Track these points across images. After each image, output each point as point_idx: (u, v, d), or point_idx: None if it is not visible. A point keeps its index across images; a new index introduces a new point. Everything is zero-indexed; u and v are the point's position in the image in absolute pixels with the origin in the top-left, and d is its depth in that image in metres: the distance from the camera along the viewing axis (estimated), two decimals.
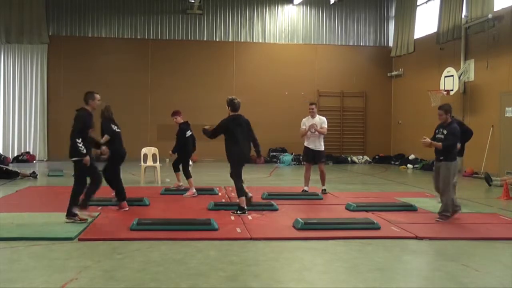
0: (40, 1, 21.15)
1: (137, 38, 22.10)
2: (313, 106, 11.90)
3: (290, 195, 11.42)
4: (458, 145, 9.25)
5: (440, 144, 8.72)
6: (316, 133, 11.58)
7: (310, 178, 11.89)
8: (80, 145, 8.25)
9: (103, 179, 8.83)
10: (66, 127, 23.03)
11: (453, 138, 8.82)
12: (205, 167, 18.70)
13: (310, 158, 11.80)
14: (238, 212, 8.96)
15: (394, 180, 15.78)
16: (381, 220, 8.50)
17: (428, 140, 8.81)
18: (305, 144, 11.84)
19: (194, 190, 11.36)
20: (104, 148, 9.32)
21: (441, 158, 8.82)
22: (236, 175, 9.17)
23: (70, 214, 8.17)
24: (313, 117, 11.80)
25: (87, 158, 8.27)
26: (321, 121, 11.77)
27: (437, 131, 9.00)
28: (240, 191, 9.08)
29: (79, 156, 8.26)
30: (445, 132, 8.82)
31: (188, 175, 11.52)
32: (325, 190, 11.77)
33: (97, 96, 8.82)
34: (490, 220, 9.13)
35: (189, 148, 11.88)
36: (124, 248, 6.67)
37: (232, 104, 9.80)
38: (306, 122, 11.84)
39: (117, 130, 10.15)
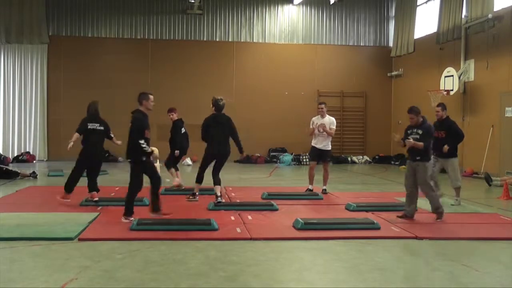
0: (40, 1, 21.14)
1: (137, 38, 22.10)
2: (323, 106, 11.90)
3: (290, 195, 11.42)
4: None
5: (421, 144, 8.74)
6: (324, 133, 11.56)
7: (315, 178, 11.91)
8: (144, 145, 8.36)
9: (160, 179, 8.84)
10: (66, 127, 23.18)
11: (430, 138, 8.93)
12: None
13: (316, 156, 11.80)
14: (190, 197, 10.37)
15: (394, 180, 15.77)
16: (381, 220, 8.51)
17: (412, 141, 8.79)
18: (313, 143, 11.83)
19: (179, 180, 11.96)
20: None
21: (418, 158, 8.77)
22: (200, 167, 10.33)
23: (127, 214, 8.29)
24: (322, 116, 11.78)
25: (154, 154, 8.40)
26: (330, 121, 11.76)
27: (409, 131, 8.97)
28: (198, 178, 10.33)
29: (145, 155, 8.36)
30: (420, 132, 8.82)
31: (175, 167, 12.10)
32: (325, 190, 11.77)
33: (151, 97, 8.81)
34: (490, 220, 9.14)
35: (185, 145, 12.04)
36: (124, 248, 6.67)
37: (217, 105, 10.34)
38: (315, 121, 11.81)
39: (94, 128, 10.17)
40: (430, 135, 8.91)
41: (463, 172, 16.98)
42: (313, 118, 11.91)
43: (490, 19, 15.91)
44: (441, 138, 10.28)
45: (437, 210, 8.85)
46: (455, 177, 10.46)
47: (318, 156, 11.77)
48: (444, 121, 10.55)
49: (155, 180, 8.59)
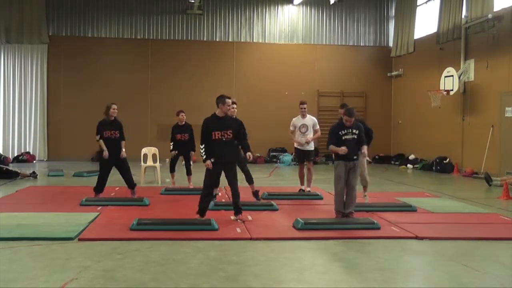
0: (40, 1, 21.14)
1: (137, 38, 22.10)
2: (305, 105, 11.71)
3: (290, 195, 11.42)
4: None
5: (366, 147, 8.96)
6: (307, 133, 11.47)
7: (314, 179, 11.90)
8: (202, 151, 8.45)
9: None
10: (66, 127, 23.15)
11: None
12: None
13: (302, 158, 11.80)
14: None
15: (394, 180, 15.78)
16: (381, 220, 8.50)
17: (365, 151, 8.93)
18: (296, 145, 11.78)
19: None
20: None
21: (355, 157, 8.77)
22: None
23: (199, 213, 8.44)
24: (304, 116, 11.65)
25: (207, 162, 8.40)
26: (313, 122, 11.66)
27: (342, 132, 8.81)
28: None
29: (203, 161, 8.46)
30: (355, 131, 8.80)
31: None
32: (309, 191, 11.69)
33: (228, 101, 8.62)
34: (490, 220, 9.13)
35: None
36: (124, 248, 6.67)
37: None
38: (296, 122, 11.68)
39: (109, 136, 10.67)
40: (363, 132, 9.06)
41: (463, 172, 17.01)
42: (294, 119, 11.76)
43: (490, 19, 15.91)
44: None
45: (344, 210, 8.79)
46: (365, 173, 10.54)
47: (303, 157, 11.75)
48: (357, 125, 10.55)
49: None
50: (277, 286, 5.41)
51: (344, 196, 8.84)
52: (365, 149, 8.95)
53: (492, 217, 9.40)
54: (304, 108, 11.66)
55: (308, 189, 11.77)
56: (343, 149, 8.61)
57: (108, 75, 21.56)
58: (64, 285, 5.17)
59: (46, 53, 21.50)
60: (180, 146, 12.49)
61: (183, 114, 12.74)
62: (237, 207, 8.59)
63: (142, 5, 22.09)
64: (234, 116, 9.66)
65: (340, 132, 8.82)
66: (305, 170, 11.92)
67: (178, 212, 9.32)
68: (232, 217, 8.54)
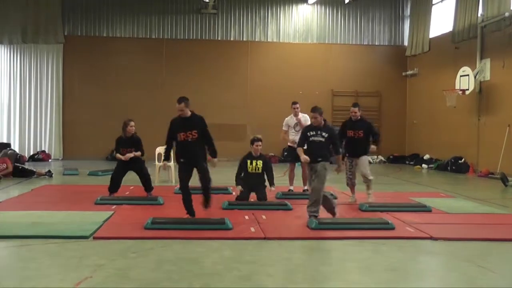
0: (56, 1, 21.29)
1: (151, 37, 22.17)
2: (298, 105, 11.84)
3: (304, 194, 11.37)
4: None
5: (341, 154, 8.99)
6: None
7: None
8: (164, 151, 8.96)
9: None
10: (81, 126, 23.32)
11: (337, 139, 9.00)
12: (218, 166, 18.67)
13: (295, 157, 11.69)
14: None
15: (408, 180, 15.69)
16: (395, 221, 8.45)
17: (340, 164, 8.95)
18: (290, 143, 11.82)
19: None
20: None
21: (320, 159, 8.55)
22: None
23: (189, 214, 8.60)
24: (296, 115, 11.77)
25: (164, 163, 9.00)
26: (304, 119, 11.66)
27: (309, 133, 8.70)
28: None
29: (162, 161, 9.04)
30: (325, 134, 8.62)
31: None
32: (306, 190, 11.68)
33: (177, 106, 8.72)
34: (506, 221, 9.06)
35: None
36: (138, 247, 6.70)
37: None
38: (289, 121, 11.76)
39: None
40: (337, 137, 8.98)
41: (479, 173, 16.88)
42: (287, 119, 11.85)
43: (507, 18, 15.75)
44: (358, 137, 10.32)
45: (314, 212, 8.43)
46: (367, 172, 10.42)
47: (296, 156, 11.69)
48: (361, 121, 10.50)
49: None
50: (291, 286, 5.40)
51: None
52: (338, 161, 8.88)
53: (508, 218, 9.32)
54: (297, 108, 11.82)
55: (306, 187, 11.77)
56: (304, 158, 8.62)
57: (123, 75, 21.66)
58: (78, 283, 5.20)
59: (62, 53, 21.64)
60: None
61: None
62: (206, 198, 8.60)
63: (156, 4, 22.16)
64: None
65: (308, 133, 8.73)
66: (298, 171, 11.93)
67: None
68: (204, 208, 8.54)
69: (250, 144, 10.53)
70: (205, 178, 8.52)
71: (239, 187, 10.20)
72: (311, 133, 8.68)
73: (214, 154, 8.71)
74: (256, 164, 10.31)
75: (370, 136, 10.53)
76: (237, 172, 10.43)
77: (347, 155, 10.43)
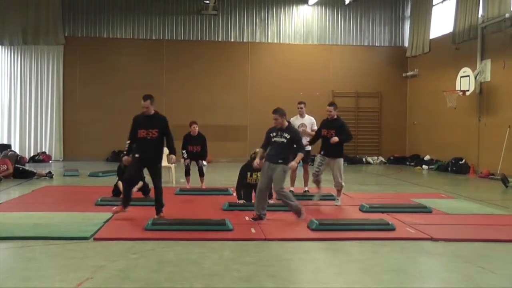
0: (56, 2, 21.30)
1: (152, 38, 22.18)
2: (303, 105, 11.84)
3: (304, 195, 11.39)
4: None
5: (302, 154, 8.75)
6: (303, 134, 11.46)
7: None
8: (126, 146, 9.01)
9: None
10: (82, 127, 23.32)
11: (300, 140, 8.90)
12: (219, 167, 18.72)
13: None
14: None
15: (409, 181, 15.69)
16: (396, 221, 8.45)
17: (294, 164, 8.69)
18: None
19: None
20: None
21: (280, 161, 8.55)
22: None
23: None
24: (302, 116, 11.75)
25: (125, 158, 8.97)
26: (311, 122, 11.69)
27: (273, 133, 8.71)
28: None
29: (122, 156, 9.19)
30: (287, 136, 8.60)
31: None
32: (307, 191, 11.70)
33: (143, 103, 8.83)
34: (506, 221, 9.06)
35: None
36: (139, 248, 6.70)
37: None
38: (295, 122, 11.59)
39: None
40: (300, 138, 8.91)
41: (479, 174, 16.88)
42: (292, 119, 11.61)
43: (507, 19, 15.76)
44: (331, 136, 10.22)
45: (298, 211, 8.64)
46: (340, 176, 10.36)
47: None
48: (335, 121, 10.47)
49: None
50: (292, 286, 5.40)
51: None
52: (297, 158, 8.68)
53: (508, 219, 9.32)
54: (301, 108, 11.83)
55: (306, 188, 11.80)
56: (257, 162, 8.73)
57: (123, 76, 21.68)
58: (79, 285, 5.20)
59: (62, 54, 21.65)
60: (192, 156, 12.49)
61: (196, 125, 12.54)
62: (159, 204, 8.68)
63: (157, 6, 22.17)
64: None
65: (271, 134, 8.75)
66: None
67: (192, 212, 9.34)
68: (156, 216, 8.50)
69: (250, 159, 10.42)
70: (156, 187, 8.69)
71: (242, 201, 10.10)
72: (273, 134, 8.71)
73: (173, 151, 8.92)
74: (256, 176, 10.26)
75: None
76: (238, 183, 10.28)
77: (321, 152, 10.39)
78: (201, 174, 12.65)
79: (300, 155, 8.72)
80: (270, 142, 8.73)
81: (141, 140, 8.63)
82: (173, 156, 8.91)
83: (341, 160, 10.48)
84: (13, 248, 6.69)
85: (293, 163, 8.65)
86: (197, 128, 12.54)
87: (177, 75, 22.08)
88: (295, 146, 8.67)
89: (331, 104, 10.64)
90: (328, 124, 10.41)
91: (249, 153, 10.63)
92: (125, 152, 8.93)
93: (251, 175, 10.19)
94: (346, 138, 10.47)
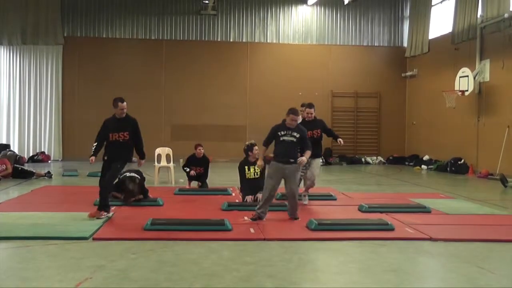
0: (55, 2, 21.30)
1: (151, 38, 22.18)
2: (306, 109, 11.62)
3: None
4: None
5: (309, 152, 8.72)
6: None
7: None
8: (93, 148, 8.99)
9: None
10: (81, 127, 23.31)
11: (307, 139, 8.92)
12: (218, 167, 18.70)
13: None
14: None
15: (408, 181, 15.70)
16: (395, 221, 8.45)
17: (304, 159, 8.64)
18: None
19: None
20: None
21: (292, 160, 8.57)
22: None
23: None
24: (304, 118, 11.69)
25: (91, 158, 8.90)
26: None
27: (282, 132, 8.66)
28: None
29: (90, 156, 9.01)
30: (296, 135, 8.61)
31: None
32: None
33: (121, 104, 8.91)
34: (506, 222, 9.06)
35: None
36: (138, 248, 6.70)
37: None
38: None
39: None
40: (307, 137, 8.89)
41: (478, 174, 16.88)
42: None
43: (506, 19, 15.77)
44: (317, 137, 10.28)
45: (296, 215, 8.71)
46: (318, 175, 10.41)
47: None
48: (315, 121, 10.50)
49: None
50: (291, 287, 5.40)
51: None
52: (306, 154, 8.68)
53: (507, 219, 9.33)
54: (302, 111, 11.55)
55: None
56: (261, 164, 8.91)
57: (123, 76, 21.66)
58: (78, 284, 5.20)
59: (61, 54, 21.64)
60: (195, 176, 12.48)
61: (201, 148, 12.45)
62: (102, 200, 8.64)
63: (156, 6, 22.17)
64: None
65: (279, 132, 8.69)
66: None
67: (191, 212, 9.34)
68: (103, 216, 8.44)
69: (244, 151, 10.46)
70: (109, 176, 8.70)
71: (250, 197, 10.12)
72: (282, 132, 8.66)
73: (143, 156, 9.13)
74: (254, 170, 10.29)
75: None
76: (240, 181, 10.40)
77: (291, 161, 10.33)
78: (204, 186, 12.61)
79: (308, 153, 8.72)
80: (277, 141, 8.68)
81: (112, 143, 8.69)
82: (142, 161, 9.16)
83: (320, 160, 10.57)
84: (12, 248, 6.69)
85: (303, 158, 8.60)
86: (202, 151, 12.50)
87: (176, 75, 22.07)
88: (302, 144, 8.69)
89: (312, 105, 10.60)
90: (310, 125, 10.21)
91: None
92: (92, 153, 8.82)
93: (248, 169, 10.24)
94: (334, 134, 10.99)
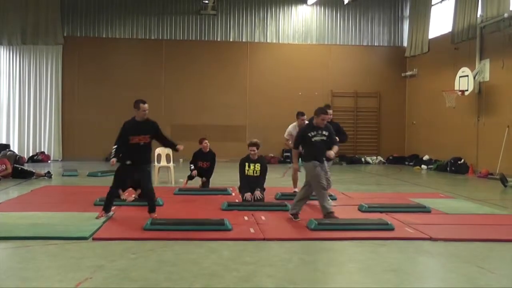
0: (55, 2, 21.31)
1: (151, 38, 22.18)
2: (304, 117, 11.31)
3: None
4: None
5: (336, 147, 8.80)
6: None
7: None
8: (113, 151, 8.79)
9: None
10: (81, 127, 23.30)
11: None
12: (218, 167, 18.67)
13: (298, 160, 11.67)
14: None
15: (408, 181, 15.70)
16: (395, 221, 8.45)
17: (332, 153, 8.66)
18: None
19: None
20: None
21: (324, 158, 8.66)
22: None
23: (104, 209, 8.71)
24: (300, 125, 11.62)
25: (112, 160, 8.69)
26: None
27: (312, 133, 8.65)
28: None
29: (110, 159, 8.89)
30: (325, 133, 8.66)
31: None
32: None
33: (143, 106, 8.81)
34: (505, 221, 9.06)
35: None
36: (138, 248, 6.70)
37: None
38: (292, 131, 11.23)
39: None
40: (334, 133, 8.97)
41: (478, 173, 16.88)
42: (290, 128, 11.45)
43: (506, 18, 15.78)
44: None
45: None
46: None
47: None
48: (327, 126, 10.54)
49: None
50: (290, 286, 5.39)
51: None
52: (335, 149, 8.70)
53: (507, 219, 9.33)
54: (303, 120, 11.27)
55: (295, 189, 11.76)
56: (296, 167, 9.30)
57: (122, 76, 21.68)
58: (78, 284, 5.20)
59: (61, 54, 21.66)
60: (200, 171, 12.45)
61: (206, 141, 12.43)
62: (152, 204, 8.71)
63: (156, 5, 22.17)
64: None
65: (309, 133, 8.69)
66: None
67: (191, 212, 9.34)
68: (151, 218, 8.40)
69: (249, 147, 10.54)
70: (146, 188, 8.76)
71: (248, 194, 10.15)
72: (313, 133, 8.67)
73: (173, 145, 9.09)
74: (254, 167, 10.31)
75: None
76: (240, 178, 10.43)
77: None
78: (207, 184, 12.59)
79: (336, 147, 8.79)
80: (307, 142, 8.67)
81: (133, 146, 8.58)
82: (180, 146, 9.02)
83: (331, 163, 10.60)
84: (12, 248, 6.68)
85: (331, 152, 8.63)
86: (208, 144, 12.49)
87: (176, 75, 22.08)
88: (330, 140, 8.76)
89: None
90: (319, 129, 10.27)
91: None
92: (112, 156, 8.68)
93: (249, 166, 10.27)
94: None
